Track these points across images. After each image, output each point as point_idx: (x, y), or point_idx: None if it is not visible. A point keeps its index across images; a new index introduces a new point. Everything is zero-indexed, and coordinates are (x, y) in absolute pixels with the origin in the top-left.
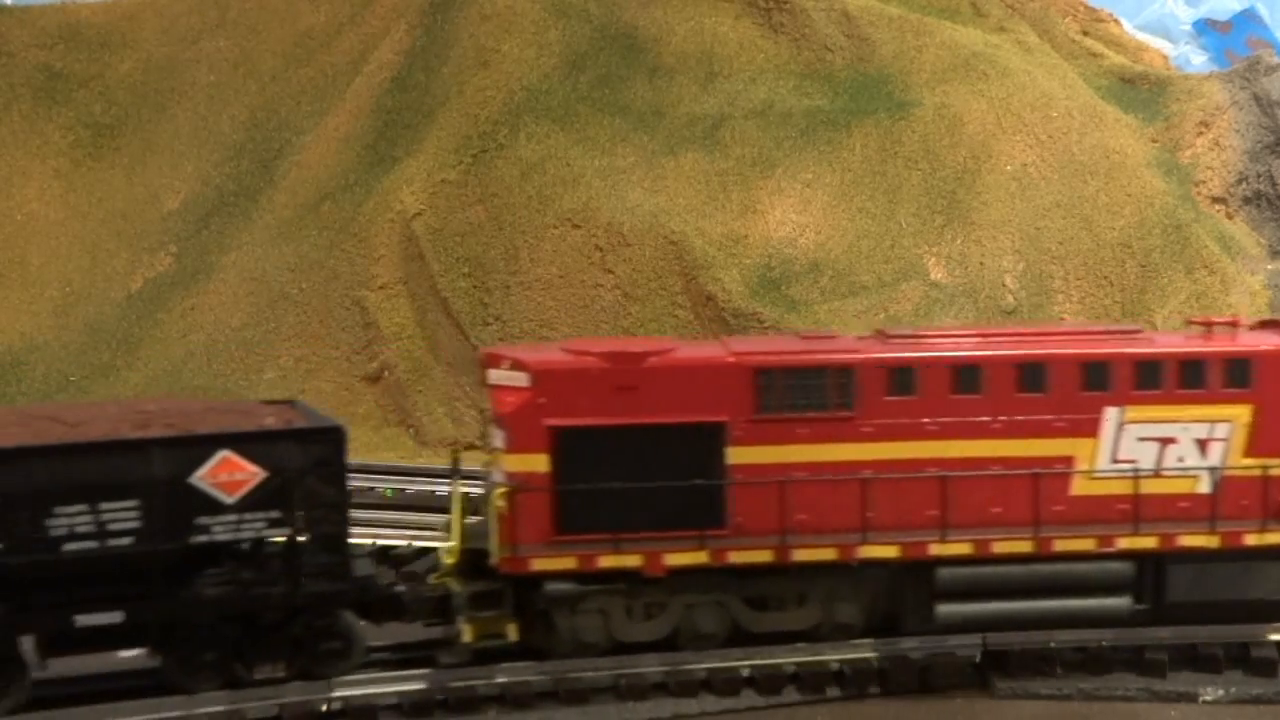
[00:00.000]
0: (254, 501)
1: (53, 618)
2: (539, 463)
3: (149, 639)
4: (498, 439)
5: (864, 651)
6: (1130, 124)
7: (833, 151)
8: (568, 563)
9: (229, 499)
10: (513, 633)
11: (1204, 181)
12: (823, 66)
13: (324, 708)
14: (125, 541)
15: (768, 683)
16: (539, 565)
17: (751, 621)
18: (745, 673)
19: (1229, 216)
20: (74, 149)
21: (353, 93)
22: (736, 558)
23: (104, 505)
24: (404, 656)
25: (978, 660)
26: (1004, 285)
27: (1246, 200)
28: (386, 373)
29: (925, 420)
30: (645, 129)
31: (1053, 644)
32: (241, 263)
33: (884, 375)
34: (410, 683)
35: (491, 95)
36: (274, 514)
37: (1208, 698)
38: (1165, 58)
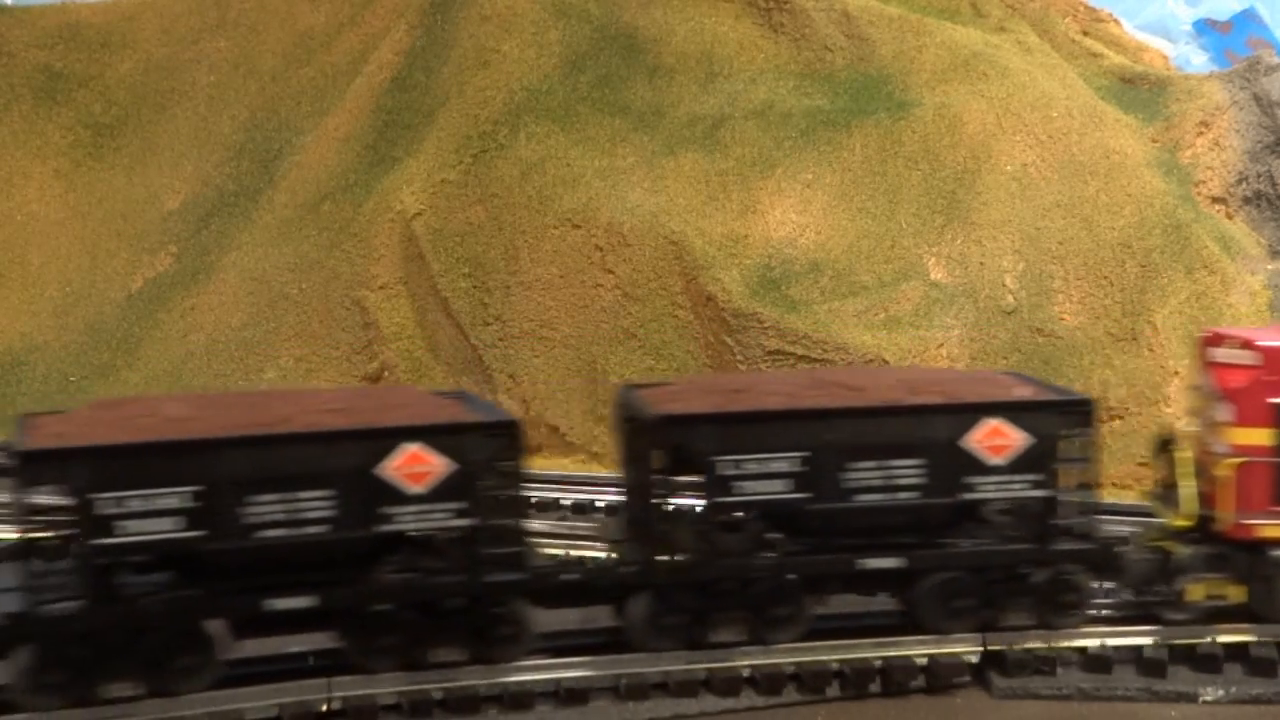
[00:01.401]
0: (1018, 465)
1: (844, 562)
2: (1263, 436)
3: (902, 586)
4: (1223, 413)
5: (864, 651)
6: (1130, 124)
7: (833, 151)
8: None
9: (994, 461)
10: (1237, 595)
11: (1204, 181)
12: (823, 66)
13: (324, 708)
14: (910, 496)
15: (768, 683)
16: (1266, 533)
17: None
18: (745, 673)
19: (1229, 216)
20: (74, 149)
21: (353, 93)
22: None
23: (892, 463)
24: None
25: (977, 660)
26: (1004, 285)
27: (1246, 200)
28: (386, 373)
29: None
30: (645, 129)
31: (1052, 644)
32: (241, 263)
33: None
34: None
35: (491, 95)
36: (1035, 477)
37: (1208, 698)
38: (1165, 58)
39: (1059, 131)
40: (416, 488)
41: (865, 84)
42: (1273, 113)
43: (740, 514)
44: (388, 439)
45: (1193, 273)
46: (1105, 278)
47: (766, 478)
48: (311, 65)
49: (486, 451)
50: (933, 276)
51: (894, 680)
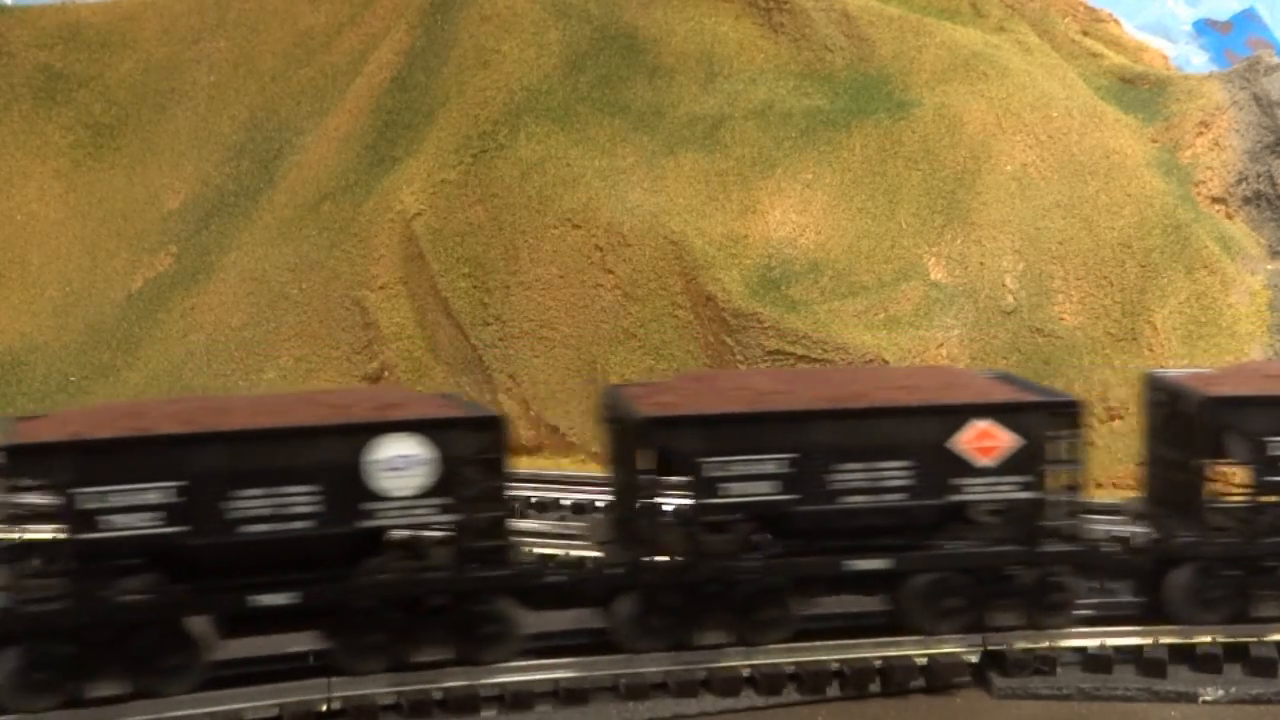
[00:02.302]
0: None
1: None
2: None
3: None
4: None
5: (864, 651)
6: (1130, 124)
7: (833, 151)
8: None
9: None
10: None
11: (1204, 181)
12: (823, 66)
13: (324, 708)
14: None
15: (768, 683)
16: None
17: None
18: (745, 673)
19: (1229, 216)
20: (74, 149)
21: (353, 93)
22: None
23: None
24: None
25: (977, 660)
26: (1004, 285)
27: (1246, 200)
28: (386, 373)
29: None
30: (645, 129)
31: (1051, 644)
32: (241, 263)
33: None
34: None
35: (491, 95)
36: None
37: (1208, 698)
38: (1165, 58)
39: (1059, 131)
40: (985, 461)
41: (865, 84)
42: (1273, 113)
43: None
44: (961, 415)
45: (1193, 273)
46: (1105, 278)
47: None
48: (311, 65)
49: (1048, 429)
50: (933, 276)
51: (894, 680)
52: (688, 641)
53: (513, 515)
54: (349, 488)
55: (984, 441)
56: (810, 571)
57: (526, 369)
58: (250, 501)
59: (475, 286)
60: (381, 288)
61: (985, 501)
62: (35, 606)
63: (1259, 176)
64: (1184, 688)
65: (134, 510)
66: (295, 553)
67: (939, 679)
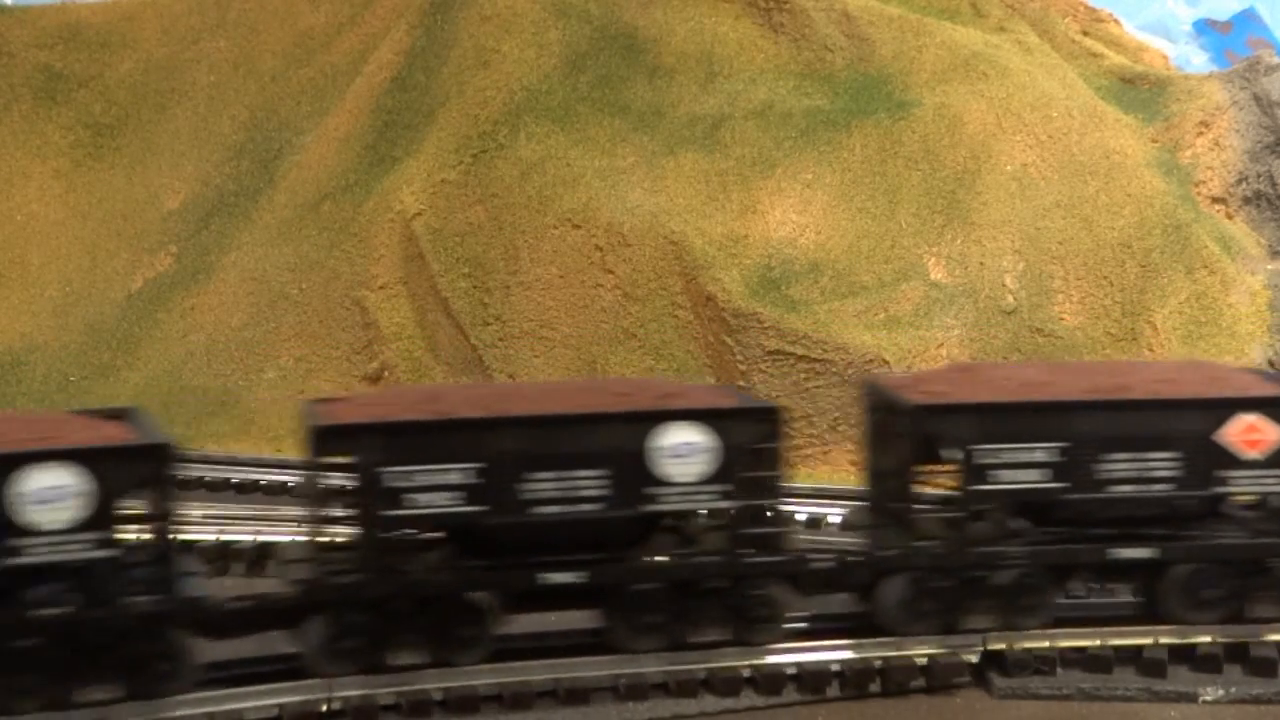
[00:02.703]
0: None
1: None
2: None
3: None
4: None
5: (864, 651)
6: (1130, 124)
7: (833, 151)
8: None
9: None
10: None
11: (1204, 181)
12: (823, 66)
13: (324, 708)
14: None
15: (768, 683)
16: None
17: None
18: (745, 673)
19: (1229, 216)
20: (74, 149)
21: (353, 93)
22: None
23: None
24: None
25: (977, 660)
26: (1004, 285)
27: (1246, 200)
28: (386, 373)
29: None
30: (645, 129)
31: (1051, 644)
32: (241, 263)
33: None
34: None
35: (491, 95)
36: None
37: (1208, 698)
38: (1165, 58)
39: (1059, 131)
40: (1252, 454)
41: (865, 84)
42: (1273, 113)
43: None
44: (1230, 408)
45: (1193, 273)
46: (1105, 278)
47: None
48: (311, 65)
49: None
50: (933, 276)
51: (894, 680)
52: (955, 625)
53: (784, 503)
54: (634, 473)
55: (1251, 435)
56: (1076, 559)
57: (526, 369)
58: (542, 484)
59: (475, 286)
60: (381, 288)
61: (1250, 494)
62: (339, 578)
63: (1259, 176)
64: (1184, 688)
65: (436, 489)
66: (581, 534)
67: (939, 679)
